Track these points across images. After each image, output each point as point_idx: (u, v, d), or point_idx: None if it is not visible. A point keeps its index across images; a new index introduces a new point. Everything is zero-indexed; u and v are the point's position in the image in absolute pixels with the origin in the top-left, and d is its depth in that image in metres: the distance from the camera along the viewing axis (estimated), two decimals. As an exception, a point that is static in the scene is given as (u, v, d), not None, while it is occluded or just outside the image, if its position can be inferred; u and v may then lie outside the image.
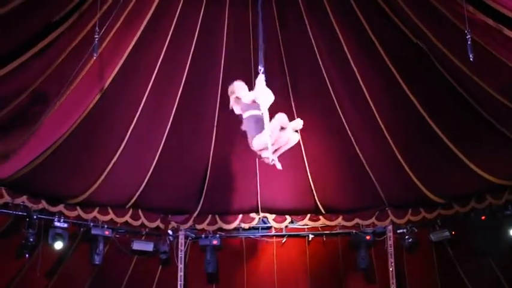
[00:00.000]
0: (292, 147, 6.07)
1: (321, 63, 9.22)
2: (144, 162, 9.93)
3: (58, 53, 7.69)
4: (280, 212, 11.14)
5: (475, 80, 7.98)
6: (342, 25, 8.73)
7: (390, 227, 10.85)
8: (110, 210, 10.12)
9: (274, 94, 5.95)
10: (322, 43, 9.06)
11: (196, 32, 8.84)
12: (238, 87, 6.01)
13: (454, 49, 7.87)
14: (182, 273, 10.83)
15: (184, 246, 10.97)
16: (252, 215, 11.11)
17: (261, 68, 5.93)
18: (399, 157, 9.86)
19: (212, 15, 8.76)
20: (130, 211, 10.37)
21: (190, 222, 10.94)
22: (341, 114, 9.75)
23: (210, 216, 10.98)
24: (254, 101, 5.71)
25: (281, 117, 5.76)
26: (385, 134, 9.69)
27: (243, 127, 5.92)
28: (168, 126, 9.68)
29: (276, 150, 5.80)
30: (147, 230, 10.61)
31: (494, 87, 7.87)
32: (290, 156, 6.60)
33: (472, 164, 9.28)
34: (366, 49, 8.83)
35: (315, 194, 10.77)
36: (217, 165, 10.38)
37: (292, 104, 9.57)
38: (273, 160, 5.66)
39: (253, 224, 11.13)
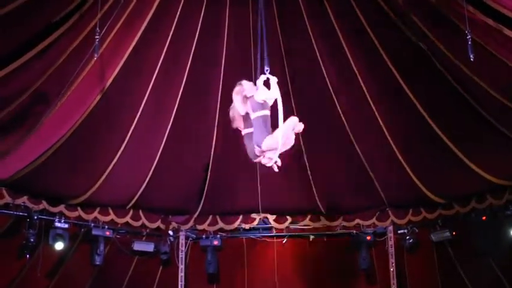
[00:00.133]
0: (292, 147, 6.06)
1: (321, 63, 9.21)
2: (144, 162, 9.93)
3: (59, 54, 7.69)
4: (280, 213, 11.15)
5: (476, 80, 7.98)
6: (342, 25, 8.73)
7: (391, 228, 10.87)
8: (110, 211, 10.14)
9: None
10: (323, 43, 9.06)
11: (197, 33, 8.84)
12: (248, 87, 5.96)
13: (454, 49, 7.88)
14: (183, 274, 10.85)
15: (185, 247, 10.99)
16: (253, 215, 11.13)
17: (267, 69, 5.90)
18: (400, 157, 9.86)
19: (213, 16, 8.76)
20: (131, 212, 10.38)
21: (191, 223, 10.96)
22: (341, 114, 9.75)
23: (210, 216, 11.01)
24: (264, 101, 5.70)
25: (294, 120, 5.74)
26: (386, 134, 9.69)
27: (245, 141, 5.86)
28: (169, 127, 9.68)
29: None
30: (147, 230, 10.62)
31: (495, 87, 7.88)
32: (290, 156, 6.59)
33: (473, 164, 9.27)
34: (366, 49, 8.83)
35: (316, 195, 10.77)
36: (218, 165, 10.38)
37: (292, 104, 9.56)
38: (275, 162, 5.65)
39: (254, 224, 11.15)
